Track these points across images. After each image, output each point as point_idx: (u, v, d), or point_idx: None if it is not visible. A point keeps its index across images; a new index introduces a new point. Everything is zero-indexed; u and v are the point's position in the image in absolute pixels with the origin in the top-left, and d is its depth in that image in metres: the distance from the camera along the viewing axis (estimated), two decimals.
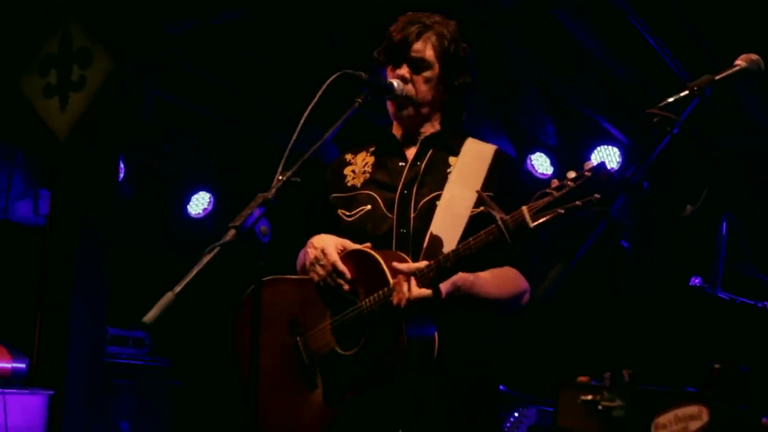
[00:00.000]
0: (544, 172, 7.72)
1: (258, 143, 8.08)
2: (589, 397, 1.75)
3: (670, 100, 2.19)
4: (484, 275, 2.74)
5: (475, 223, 2.65)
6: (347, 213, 2.93)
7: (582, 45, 5.97)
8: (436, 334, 2.64)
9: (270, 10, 5.79)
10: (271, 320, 2.83)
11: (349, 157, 3.10)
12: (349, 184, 3.00)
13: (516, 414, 5.16)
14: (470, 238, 2.53)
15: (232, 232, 2.26)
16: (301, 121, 2.59)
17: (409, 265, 2.62)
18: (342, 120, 2.70)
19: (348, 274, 2.75)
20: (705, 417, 1.62)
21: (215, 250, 2.21)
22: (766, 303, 4.94)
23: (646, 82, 6.50)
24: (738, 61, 2.32)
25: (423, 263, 2.60)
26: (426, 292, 2.55)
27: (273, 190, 2.37)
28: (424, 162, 2.95)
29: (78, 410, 5.48)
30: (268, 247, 2.32)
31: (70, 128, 5.78)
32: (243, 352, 2.96)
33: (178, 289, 2.12)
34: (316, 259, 2.80)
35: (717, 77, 2.25)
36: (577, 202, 2.25)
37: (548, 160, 7.72)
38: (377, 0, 5.52)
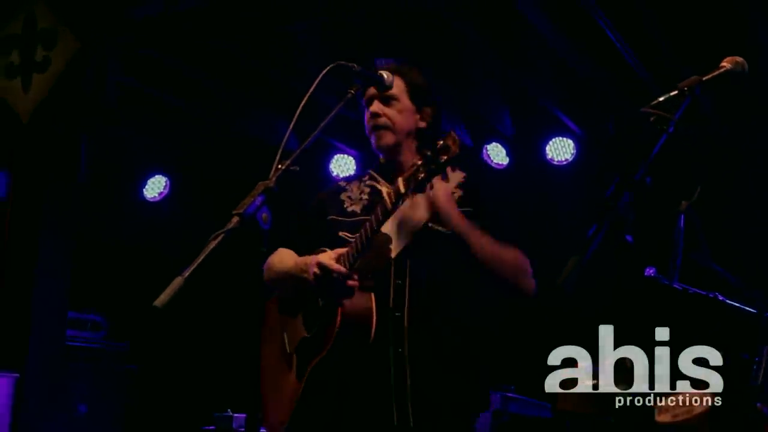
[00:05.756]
0: (500, 162, 7.76)
1: (215, 128, 8.06)
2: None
3: (661, 99, 2.28)
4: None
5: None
6: (351, 236, 3.13)
7: (542, 37, 6.06)
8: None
9: None
10: (275, 329, 3.31)
11: (343, 184, 3.37)
12: (348, 210, 3.24)
13: None
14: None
15: (235, 219, 2.32)
16: (297, 113, 2.64)
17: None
18: (335, 111, 2.78)
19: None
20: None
21: (220, 237, 2.26)
22: (717, 293, 5.11)
23: (604, 76, 6.63)
24: (724, 63, 2.41)
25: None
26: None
27: (273, 179, 2.44)
28: None
29: (39, 393, 5.45)
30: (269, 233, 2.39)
31: (32, 109, 5.72)
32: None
33: (186, 273, 2.16)
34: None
35: (704, 78, 2.34)
36: (432, 166, 2.72)
37: (504, 150, 7.80)
38: None
